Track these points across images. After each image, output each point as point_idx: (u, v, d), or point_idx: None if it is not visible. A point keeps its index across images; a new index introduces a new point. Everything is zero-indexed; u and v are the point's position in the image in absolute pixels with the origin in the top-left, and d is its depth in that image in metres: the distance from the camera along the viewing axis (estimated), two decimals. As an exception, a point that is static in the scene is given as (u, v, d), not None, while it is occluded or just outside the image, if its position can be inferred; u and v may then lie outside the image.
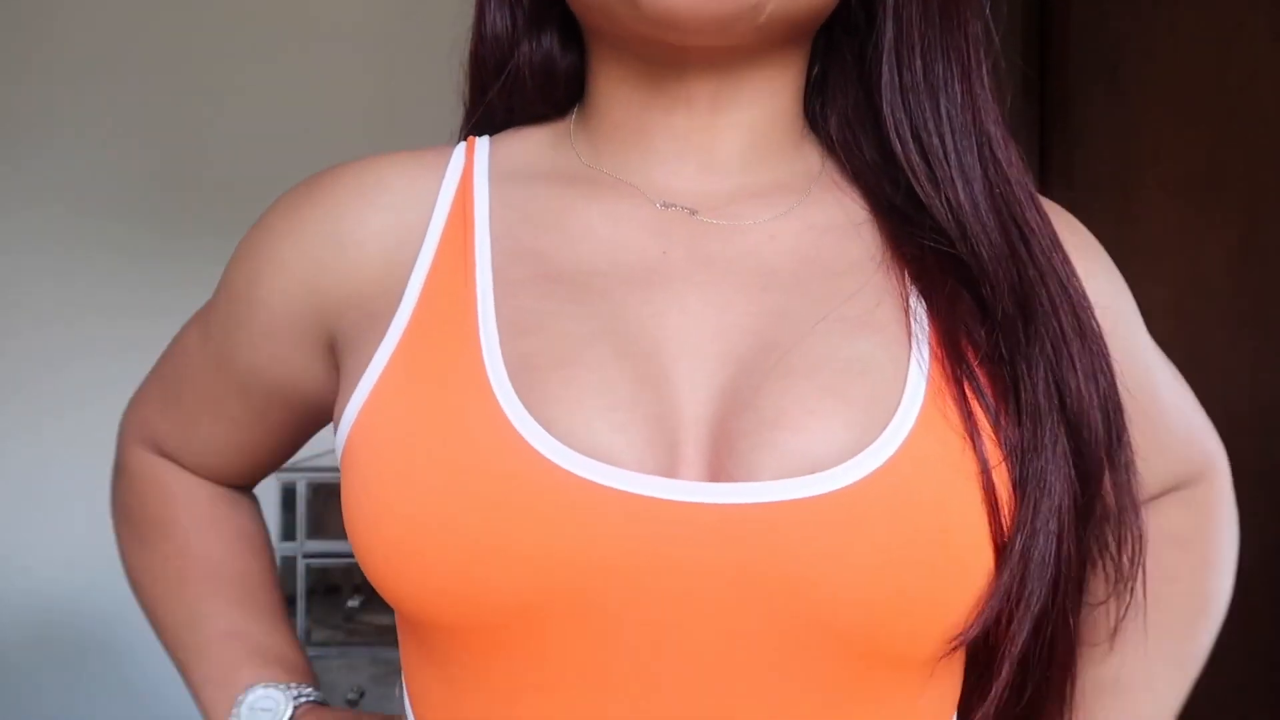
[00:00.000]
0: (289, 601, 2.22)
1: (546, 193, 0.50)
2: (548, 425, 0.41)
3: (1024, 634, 0.42)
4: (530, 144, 0.53)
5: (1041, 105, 1.45)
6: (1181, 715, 1.13)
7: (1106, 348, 0.46)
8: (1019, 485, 0.42)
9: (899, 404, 0.42)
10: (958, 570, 0.40)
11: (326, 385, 0.52)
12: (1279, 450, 0.98)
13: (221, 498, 0.63)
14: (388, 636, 1.79)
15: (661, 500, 0.39)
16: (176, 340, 0.62)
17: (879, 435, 0.41)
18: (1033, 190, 0.48)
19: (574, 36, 0.53)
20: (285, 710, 0.55)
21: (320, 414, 0.56)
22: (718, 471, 0.41)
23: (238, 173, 2.38)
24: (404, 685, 0.50)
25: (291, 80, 2.39)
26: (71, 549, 2.36)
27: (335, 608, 1.81)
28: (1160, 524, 0.55)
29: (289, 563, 1.67)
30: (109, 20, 2.38)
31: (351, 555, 0.47)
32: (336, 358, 0.51)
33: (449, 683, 0.45)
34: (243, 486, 0.64)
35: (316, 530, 1.69)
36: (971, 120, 0.48)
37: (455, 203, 0.50)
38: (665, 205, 0.49)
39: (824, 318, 0.45)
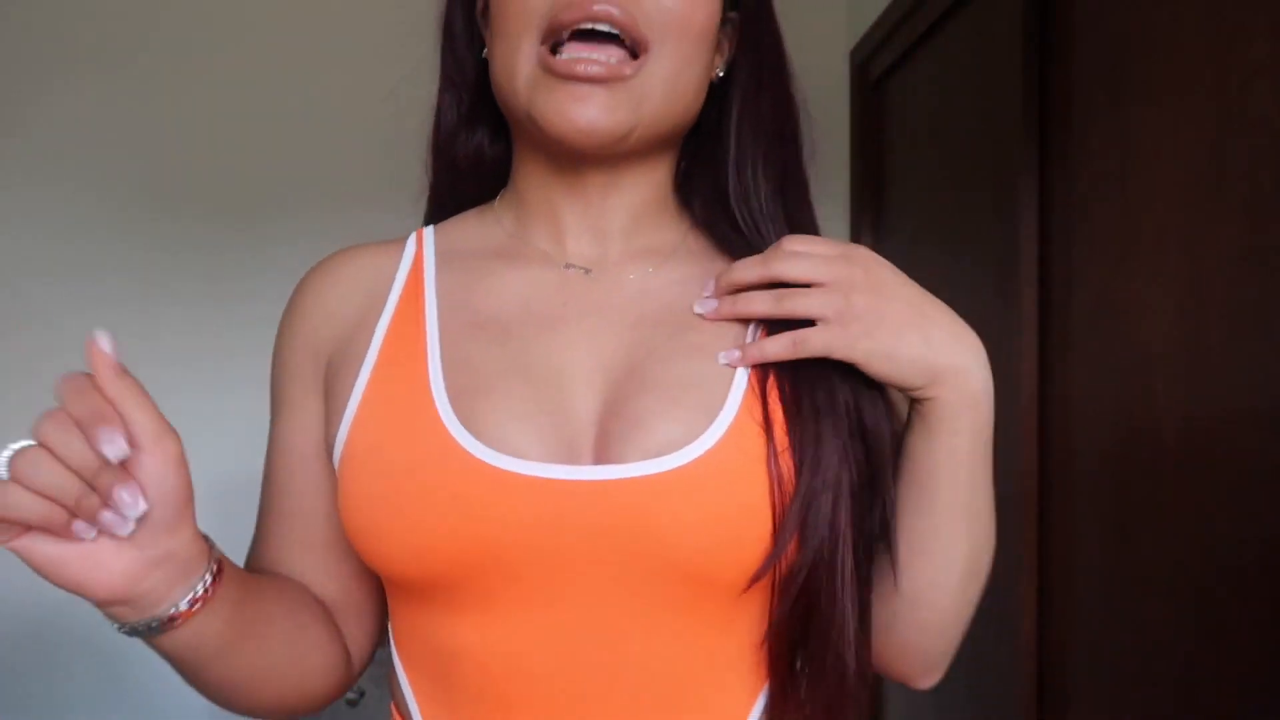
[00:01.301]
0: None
1: (477, 263, 0.68)
2: (478, 435, 0.58)
3: (800, 575, 0.58)
4: (466, 227, 0.71)
5: (1041, 105, 1.45)
6: (1186, 713, 1.13)
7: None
8: (798, 467, 0.58)
9: (721, 409, 0.59)
10: (750, 523, 0.58)
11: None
12: (1279, 450, 0.98)
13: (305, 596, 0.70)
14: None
15: (555, 480, 0.57)
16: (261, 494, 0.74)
17: (705, 431, 0.58)
18: None
19: (503, 134, 0.71)
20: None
21: None
22: (601, 459, 0.58)
23: (232, 172, 2.38)
24: (389, 620, 0.67)
25: (288, 81, 2.39)
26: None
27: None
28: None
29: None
30: (103, 19, 2.37)
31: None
32: (325, 400, 0.67)
33: (417, 615, 0.63)
34: (360, 634, 0.73)
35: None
36: (787, 216, 0.67)
37: (409, 276, 0.68)
38: (568, 266, 0.67)
39: (675, 349, 0.62)
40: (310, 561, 0.69)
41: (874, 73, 2.20)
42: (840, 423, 0.60)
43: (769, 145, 0.67)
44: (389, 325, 0.65)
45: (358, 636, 0.72)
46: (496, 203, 0.72)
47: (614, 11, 0.58)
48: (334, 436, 0.63)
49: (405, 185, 2.65)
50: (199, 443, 2.53)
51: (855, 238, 2.28)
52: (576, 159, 0.64)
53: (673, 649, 0.60)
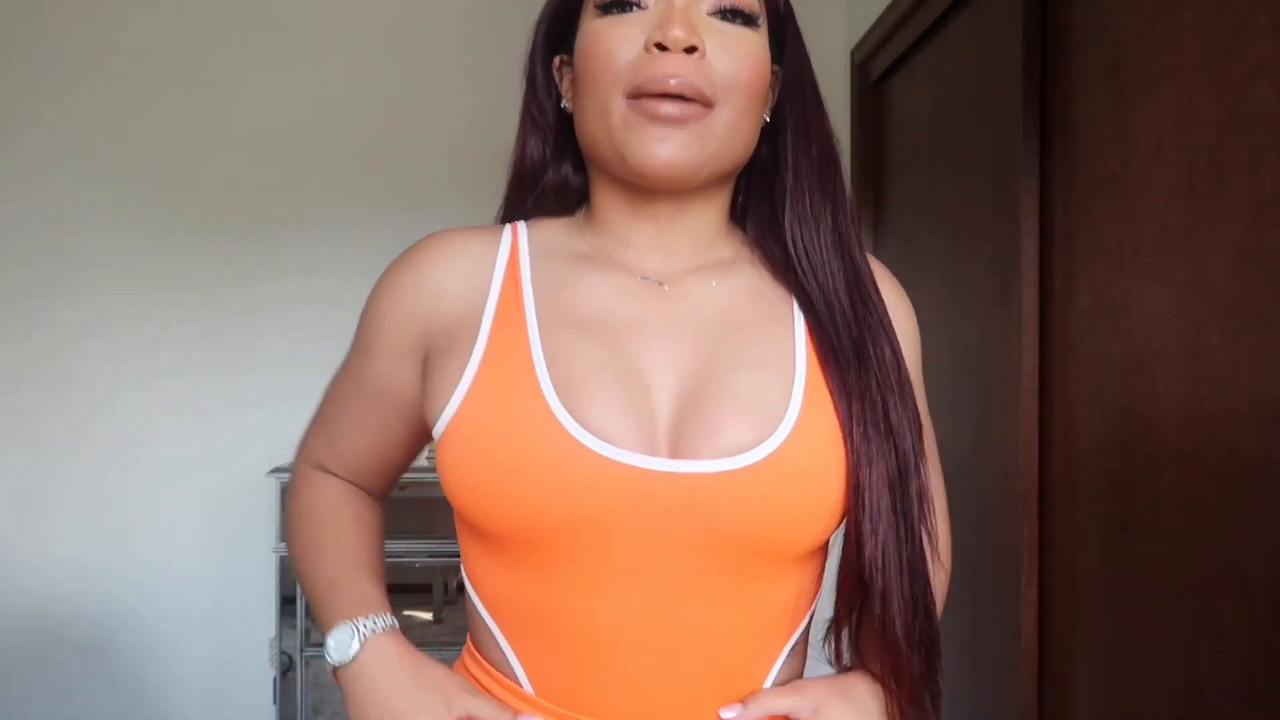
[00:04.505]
0: (289, 602, 2.23)
1: (567, 267, 0.78)
2: (581, 423, 0.69)
3: (863, 551, 0.72)
4: (554, 232, 0.82)
5: (1041, 105, 1.45)
6: (1186, 713, 1.13)
7: (909, 383, 0.76)
8: (853, 466, 0.72)
9: (784, 417, 0.72)
10: (811, 510, 0.71)
11: (420, 389, 0.79)
12: (1279, 450, 0.98)
13: (352, 492, 0.88)
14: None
15: (646, 470, 0.69)
16: (329, 387, 0.88)
17: (771, 436, 0.70)
18: (875, 284, 0.79)
19: (583, 165, 0.82)
20: (352, 643, 0.76)
21: (421, 417, 0.80)
22: (675, 454, 0.70)
23: (239, 176, 2.38)
24: (466, 575, 0.78)
25: (292, 82, 2.39)
26: (70, 552, 2.36)
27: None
28: None
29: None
30: (107, 19, 2.38)
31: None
32: (426, 366, 0.78)
33: (505, 569, 0.73)
34: (380, 490, 0.91)
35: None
36: (837, 239, 0.78)
37: (508, 268, 0.78)
38: (643, 279, 0.78)
39: (740, 360, 0.74)
40: (367, 465, 0.87)
41: (874, 73, 2.20)
42: (883, 428, 0.73)
43: (821, 175, 0.79)
44: (494, 314, 0.75)
45: (380, 495, 0.93)
46: (580, 217, 0.83)
47: (685, 88, 0.71)
48: (439, 408, 0.73)
49: (404, 176, 2.65)
50: (220, 412, 2.52)
51: (855, 238, 2.27)
52: (650, 191, 0.76)
53: (728, 609, 0.72)
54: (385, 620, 0.77)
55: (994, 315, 1.59)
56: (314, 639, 2.10)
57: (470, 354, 0.73)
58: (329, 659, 0.76)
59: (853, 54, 2.29)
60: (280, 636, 2.14)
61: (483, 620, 0.77)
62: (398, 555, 2.08)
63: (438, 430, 0.74)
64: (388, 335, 0.79)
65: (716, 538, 0.70)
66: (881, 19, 2.07)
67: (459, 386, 0.72)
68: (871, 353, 0.75)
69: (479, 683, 0.78)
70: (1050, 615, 1.44)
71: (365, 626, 0.76)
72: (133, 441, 2.36)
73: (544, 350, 0.72)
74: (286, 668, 2.14)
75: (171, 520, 2.36)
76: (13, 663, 2.35)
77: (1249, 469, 1.02)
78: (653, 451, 0.70)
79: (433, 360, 0.77)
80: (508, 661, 0.75)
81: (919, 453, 0.74)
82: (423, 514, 1.91)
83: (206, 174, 2.38)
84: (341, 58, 2.40)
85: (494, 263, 0.78)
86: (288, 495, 0.91)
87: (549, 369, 0.71)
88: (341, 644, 0.76)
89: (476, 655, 0.79)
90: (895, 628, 0.73)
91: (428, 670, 0.75)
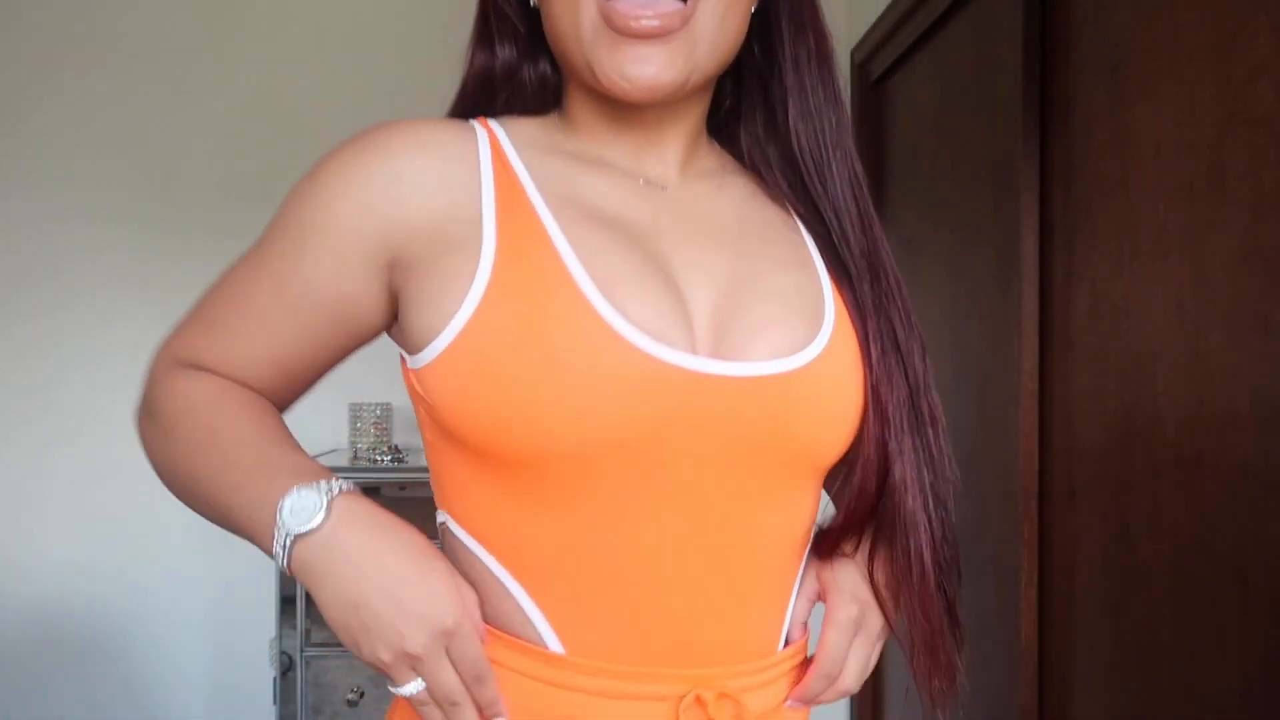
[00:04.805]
0: (289, 602, 2.23)
1: (563, 164, 0.69)
2: (628, 319, 0.61)
3: (878, 458, 0.68)
4: (533, 129, 0.72)
5: (1041, 105, 1.45)
6: (1186, 713, 1.13)
7: (909, 301, 0.72)
8: (873, 384, 0.68)
9: (824, 317, 0.68)
10: (850, 416, 0.68)
11: (376, 302, 0.67)
12: (1279, 450, 0.98)
13: (246, 390, 0.70)
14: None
15: (701, 372, 0.62)
16: (220, 281, 0.71)
17: (816, 336, 0.66)
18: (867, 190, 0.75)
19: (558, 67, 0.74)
20: (321, 503, 0.61)
21: (360, 332, 0.69)
22: (716, 353, 0.63)
23: (225, 173, 2.38)
24: (462, 530, 0.67)
25: (279, 78, 2.39)
26: (69, 552, 2.36)
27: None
28: None
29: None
30: (95, 15, 2.37)
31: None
32: (398, 277, 0.66)
33: (527, 507, 0.63)
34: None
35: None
36: (841, 140, 0.74)
37: (494, 161, 0.67)
38: (646, 182, 0.71)
39: (768, 262, 0.69)
40: (267, 379, 0.70)
41: (874, 72, 2.20)
42: (896, 342, 0.70)
43: (820, 69, 0.73)
44: (496, 211, 0.64)
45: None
46: (555, 117, 0.74)
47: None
48: (437, 324, 0.62)
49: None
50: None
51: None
52: (633, 104, 0.68)
53: (769, 527, 0.67)
54: (346, 483, 0.63)
55: (994, 315, 1.59)
56: (314, 639, 2.09)
57: (478, 257, 0.63)
58: (284, 530, 0.60)
59: (853, 54, 2.29)
60: (280, 636, 2.14)
61: (491, 579, 0.65)
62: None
63: (436, 349, 0.62)
64: (337, 235, 0.65)
65: (768, 445, 0.64)
66: (881, 19, 2.07)
67: (469, 293, 0.62)
68: (883, 264, 0.71)
69: (489, 658, 0.65)
70: (1050, 615, 1.44)
71: (327, 486, 0.61)
72: (130, 440, 2.36)
73: (573, 247, 0.63)
74: (286, 668, 2.14)
75: (170, 520, 2.36)
76: (12, 663, 2.35)
77: (1249, 469, 1.02)
78: (698, 354, 0.63)
79: (414, 270, 0.65)
80: (528, 621, 0.65)
81: (928, 371, 0.71)
82: (423, 514, 1.91)
83: (198, 172, 2.38)
84: (332, 54, 2.40)
85: (475, 156, 0.67)
86: (148, 396, 0.72)
87: (584, 265, 0.62)
88: (307, 506, 0.60)
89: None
90: (924, 557, 0.68)
91: (415, 536, 0.63)
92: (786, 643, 0.72)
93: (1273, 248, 0.98)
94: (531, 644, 0.64)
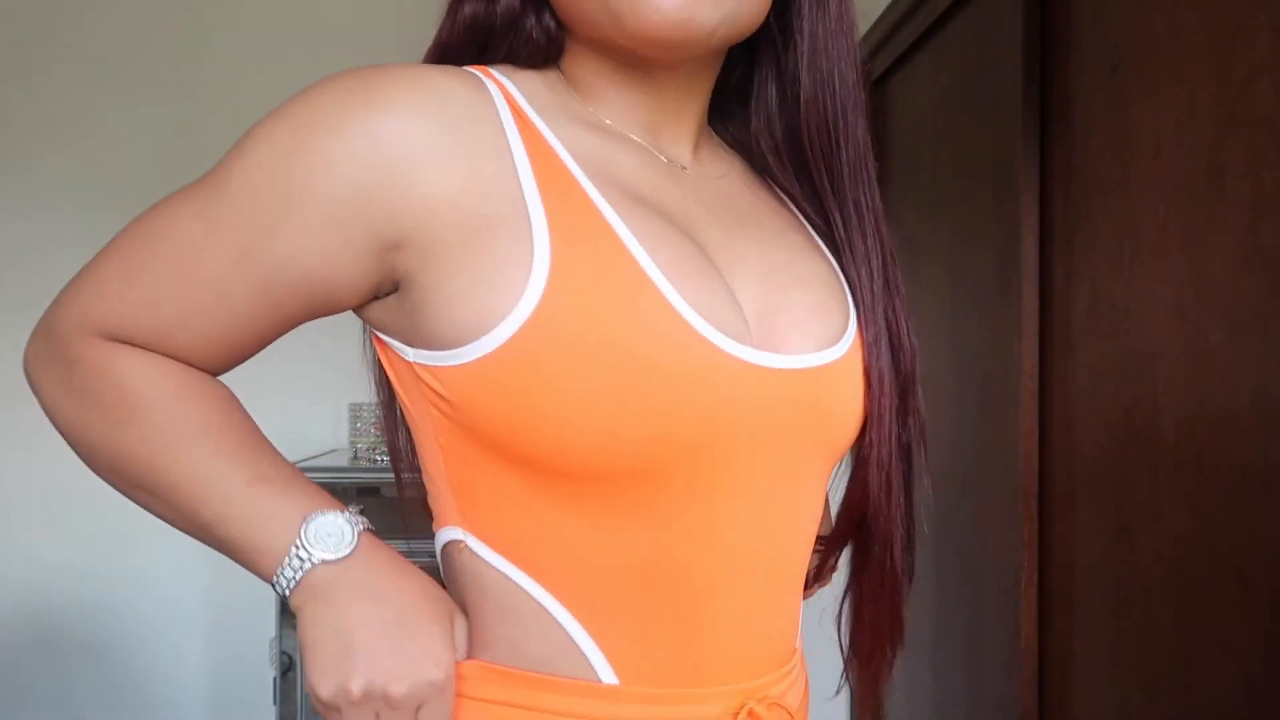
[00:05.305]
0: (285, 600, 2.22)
1: (589, 136, 0.61)
2: (703, 315, 0.56)
3: (878, 445, 0.66)
4: (539, 87, 0.62)
5: (1041, 105, 1.45)
6: (1186, 713, 1.14)
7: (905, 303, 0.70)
8: (872, 381, 0.66)
9: (848, 306, 0.67)
10: (862, 402, 0.66)
11: (363, 283, 0.57)
12: (1279, 450, 0.98)
13: (193, 371, 0.61)
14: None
15: (771, 368, 0.59)
16: (151, 233, 0.59)
17: (849, 324, 0.65)
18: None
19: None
20: (352, 533, 0.58)
21: (329, 310, 0.60)
22: (765, 346, 0.60)
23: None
24: (496, 557, 0.60)
25: (290, 82, 2.39)
26: (68, 552, 2.35)
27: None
28: None
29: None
30: (110, 22, 2.37)
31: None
32: (407, 260, 0.56)
33: (588, 523, 0.57)
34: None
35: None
36: (859, 124, 0.69)
37: (518, 123, 0.58)
38: (669, 161, 0.65)
39: (791, 249, 0.67)
40: (210, 356, 0.60)
41: (874, 73, 2.20)
42: (892, 342, 0.68)
43: (837, 39, 0.67)
44: (537, 186, 0.56)
45: None
46: (554, 74, 0.65)
47: None
48: (489, 319, 0.53)
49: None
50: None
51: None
52: (647, 64, 0.61)
53: (808, 518, 0.66)
54: (367, 522, 0.61)
55: (994, 315, 1.59)
56: (314, 639, 2.09)
57: (528, 243, 0.54)
58: (308, 553, 0.57)
59: (853, 54, 2.29)
60: (280, 636, 2.14)
61: (530, 609, 0.59)
62: (398, 555, 2.06)
63: (482, 348, 0.54)
64: (330, 210, 0.54)
65: (816, 437, 0.63)
66: (881, 19, 2.08)
67: (528, 286, 0.53)
68: (884, 253, 0.69)
69: (521, 706, 0.59)
70: (1050, 615, 1.44)
71: (353, 518, 0.59)
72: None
73: (631, 232, 0.56)
74: (286, 668, 2.14)
75: (171, 520, 2.36)
76: (11, 663, 2.35)
77: (1249, 469, 1.02)
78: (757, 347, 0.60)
79: (432, 254, 0.55)
80: (579, 653, 0.58)
81: (915, 375, 0.69)
82: (424, 514, 1.91)
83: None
84: (330, 54, 2.40)
85: (496, 115, 0.57)
86: (64, 361, 0.61)
87: (649, 255, 0.56)
88: (335, 533, 0.57)
89: (507, 670, 0.60)
90: (896, 560, 0.68)
91: (430, 583, 0.62)
92: None
93: (1273, 248, 0.98)
94: (584, 681, 0.58)
